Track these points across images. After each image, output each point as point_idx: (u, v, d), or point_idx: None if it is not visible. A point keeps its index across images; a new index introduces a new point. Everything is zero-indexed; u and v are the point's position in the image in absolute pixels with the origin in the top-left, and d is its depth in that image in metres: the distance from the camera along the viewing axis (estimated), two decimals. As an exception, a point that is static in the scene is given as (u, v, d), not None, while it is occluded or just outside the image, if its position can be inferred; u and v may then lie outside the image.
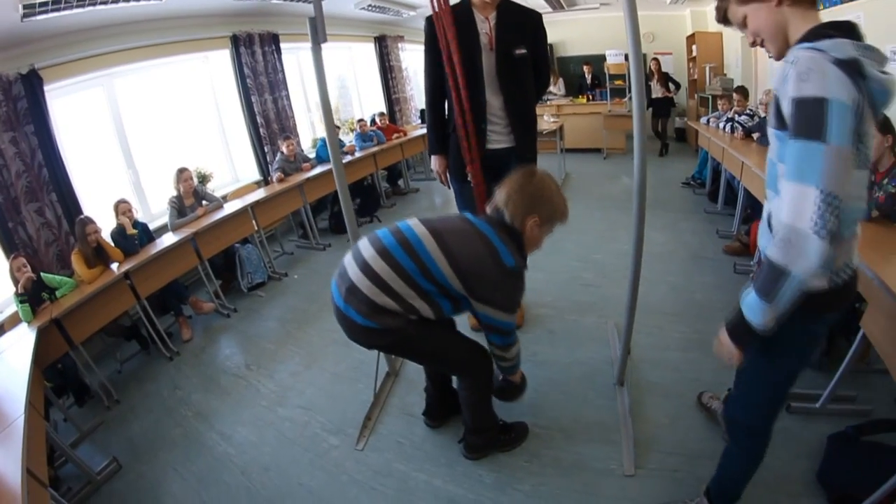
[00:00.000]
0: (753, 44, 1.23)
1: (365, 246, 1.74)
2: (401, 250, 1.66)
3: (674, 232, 4.49)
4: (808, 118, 0.98)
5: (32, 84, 3.77)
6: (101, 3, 3.61)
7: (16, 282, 3.18)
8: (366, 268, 1.67)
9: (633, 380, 2.51)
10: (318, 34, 2.12)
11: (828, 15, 3.88)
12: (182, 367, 3.43)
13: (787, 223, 1.02)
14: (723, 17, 1.29)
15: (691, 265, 3.75)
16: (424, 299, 1.68)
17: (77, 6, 3.49)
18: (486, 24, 2.41)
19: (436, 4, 2.28)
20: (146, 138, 4.92)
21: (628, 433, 2.14)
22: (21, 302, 3.07)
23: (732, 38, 7.67)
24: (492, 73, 2.45)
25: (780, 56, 1.16)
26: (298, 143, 5.98)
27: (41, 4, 3.26)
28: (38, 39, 3.82)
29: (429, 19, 2.46)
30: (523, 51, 2.44)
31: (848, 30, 1.05)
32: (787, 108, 1.04)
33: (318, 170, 5.47)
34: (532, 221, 1.70)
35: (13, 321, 3.21)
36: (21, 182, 3.75)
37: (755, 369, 1.38)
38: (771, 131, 1.19)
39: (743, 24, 1.22)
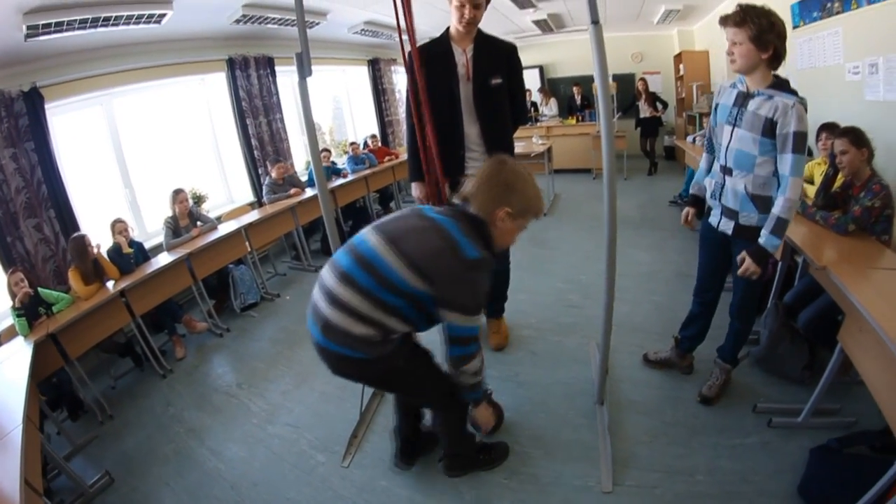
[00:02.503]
0: (730, 53, 1.94)
1: (327, 274, 1.68)
2: (359, 269, 1.58)
3: (660, 251, 4.59)
4: (801, 143, 1.85)
5: (34, 102, 3.87)
6: (101, 26, 3.70)
7: (13, 296, 3.23)
8: (333, 300, 1.60)
9: (613, 398, 2.57)
10: (303, 68, 2.24)
11: (809, 31, 4.26)
12: (175, 385, 3.47)
13: (791, 198, 1.87)
14: (728, 24, 1.91)
15: (676, 284, 3.81)
16: (396, 315, 1.60)
17: (79, 28, 3.59)
18: (463, 56, 2.55)
19: (405, 44, 2.39)
20: (143, 158, 5.02)
21: (607, 451, 2.20)
22: (18, 316, 3.13)
23: (719, 57, 7.80)
24: (469, 103, 2.57)
25: (738, 71, 1.99)
26: (292, 165, 6.10)
27: (44, 26, 3.36)
28: (41, 58, 3.93)
29: (410, 54, 2.57)
30: (499, 80, 2.57)
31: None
32: (785, 130, 1.85)
33: (310, 192, 5.56)
34: (503, 212, 1.60)
35: (9, 334, 3.26)
36: (20, 198, 3.83)
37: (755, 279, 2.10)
38: (754, 136, 1.95)
39: (734, 44, 1.90)
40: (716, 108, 2.20)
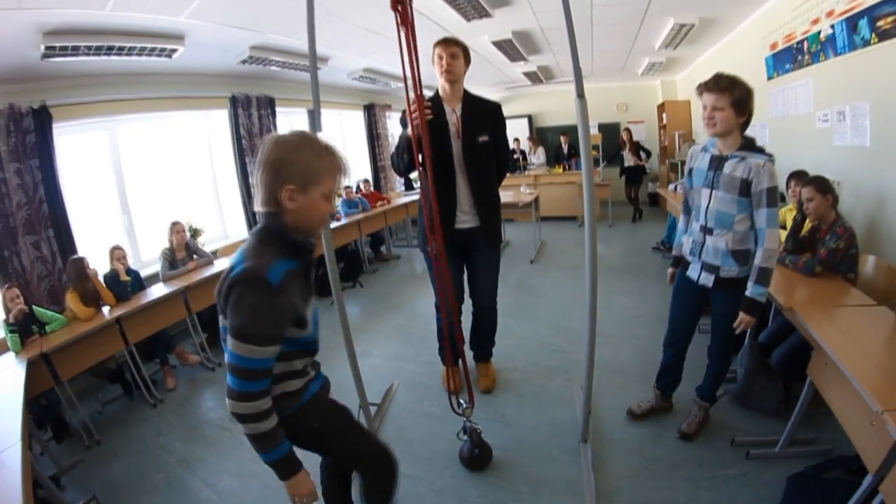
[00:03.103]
0: (710, 117, 2.16)
1: None
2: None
3: (642, 296, 4.76)
4: (774, 197, 2.07)
5: (42, 119, 3.98)
6: (115, 54, 3.83)
7: (7, 311, 3.26)
8: None
9: (596, 437, 2.68)
10: (315, 123, 2.43)
11: (782, 81, 4.65)
12: (166, 416, 3.48)
13: (769, 248, 2.08)
14: (712, 90, 2.13)
15: (657, 328, 3.88)
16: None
17: (94, 54, 3.70)
18: (454, 115, 2.75)
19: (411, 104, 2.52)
20: (142, 186, 5.11)
21: (591, 486, 2.29)
22: (11, 332, 3.17)
23: (700, 106, 8.20)
24: (459, 158, 2.76)
25: (716, 134, 2.21)
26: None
27: (61, 48, 3.46)
28: (53, 78, 4.07)
29: (404, 111, 2.76)
30: (486, 138, 2.78)
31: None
32: (759, 188, 2.07)
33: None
34: (286, 193, 1.31)
35: (3, 348, 3.28)
36: (21, 213, 3.90)
37: (729, 323, 2.28)
38: (731, 196, 2.15)
39: (716, 109, 2.12)
40: (690, 173, 2.43)
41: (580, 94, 2.07)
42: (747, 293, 2.16)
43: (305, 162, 1.32)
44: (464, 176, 2.78)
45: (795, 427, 2.31)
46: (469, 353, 3.31)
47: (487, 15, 4.56)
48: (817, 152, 4.09)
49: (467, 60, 2.76)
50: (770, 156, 2.12)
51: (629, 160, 8.60)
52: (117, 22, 3.48)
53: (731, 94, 2.07)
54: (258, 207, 1.37)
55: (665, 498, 2.20)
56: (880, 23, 3.10)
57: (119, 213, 4.90)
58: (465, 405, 2.48)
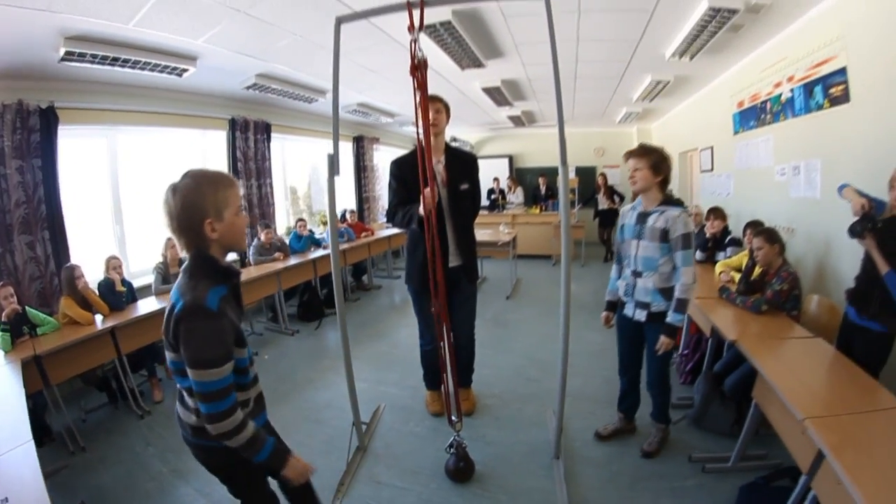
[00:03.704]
0: (632, 177, 2.62)
1: None
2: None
3: (610, 332, 4.87)
4: (688, 241, 2.47)
5: (49, 120, 4.04)
6: (129, 67, 3.95)
7: (0, 309, 3.31)
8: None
9: (568, 454, 2.94)
10: (334, 168, 2.67)
11: (746, 137, 5.14)
12: (154, 427, 3.54)
13: (686, 282, 2.48)
14: (633, 156, 2.62)
15: None
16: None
17: (109, 64, 3.82)
18: (439, 165, 3.05)
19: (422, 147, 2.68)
20: (136, 198, 5.15)
21: (563, 496, 2.53)
22: (2, 330, 3.21)
23: (672, 154, 8.64)
24: (446, 204, 3.05)
25: (637, 191, 2.65)
26: (275, 231, 6.38)
27: (80, 54, 3.56)
28: (63, 80, 4.17)
29: (394, 163, 3.14)
30: (466, 186, 3.10)
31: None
32: (675, 235, 2.49)
33: (293, 260, 5.92)
34: (208, 227, 1.44)
35: None
36: (19, 211, 3.90)
37: (664, 356, 2.67)
38: (654, 244, 2.57)
39: (636, 170, 2.58)
40: (622, 228, 2.83)
41: (563, 162, 2.44)
42: (667, 320, 2.55)
43: (208, 194, 1.44)
44: (450, 220, 3.07)
45: (746, 443, 2.62)
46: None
47: (481, 65, 4.94)
48: (775, 202, 4.56)
49: (448, 115, 3.09)
50: (685, 207, 2.61)
51: (603, 203, 9.10)
52: (138, 37, 3.63)
53: (649, 158, 2.57)
54: (183, 253, 1.51)
55: (631, 505, 2.47)
56: (832, 90, 3.56)
57: (112, 222, 4.97)
58: (455, 420, 2.74)
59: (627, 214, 2.80)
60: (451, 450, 2.74)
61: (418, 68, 2.25)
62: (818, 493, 1.81)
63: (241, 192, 5.96)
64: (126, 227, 5.08)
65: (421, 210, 2.70)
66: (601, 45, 4.55)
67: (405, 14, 2.26)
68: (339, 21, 2.56)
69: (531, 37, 4.26)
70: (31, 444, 2.05)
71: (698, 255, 4.72)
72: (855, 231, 2.39)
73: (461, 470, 2.73)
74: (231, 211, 1.50)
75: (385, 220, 9.44)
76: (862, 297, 2.52)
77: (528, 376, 4.13)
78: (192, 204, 1.42)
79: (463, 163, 3.15)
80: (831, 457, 1.62)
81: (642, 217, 2.66)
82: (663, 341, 2.57)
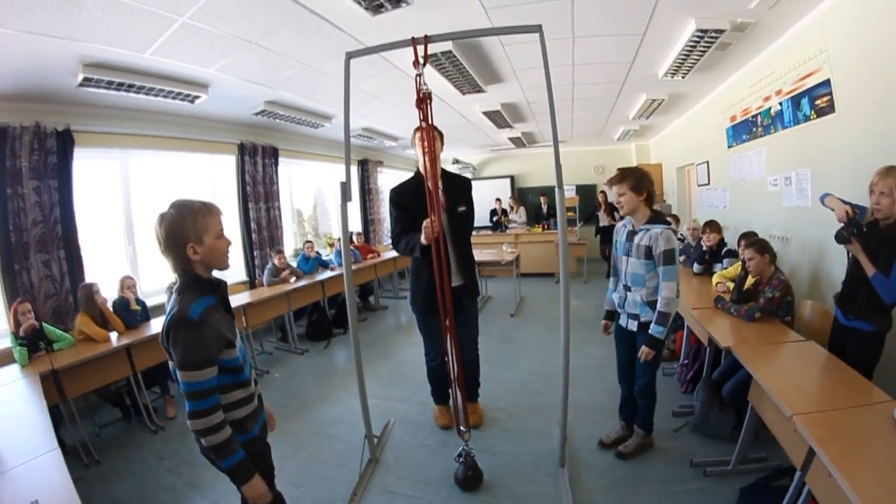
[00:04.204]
0: (618, 202, 2.76)
1: None
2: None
3: (611, 346, 5.04)
4: (670, 257, 2.60)
5: (65, 142, 4.20)
6: (144, 93, 4.12)
7: (17, 324, 3.41)
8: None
9: (572, 462, 3.01)
10: (346, 195, 2.80)
11: (739, 150, 5.26)
12: (169, 442, 3.62)
13: (667, 296, 2.60)
14: (615, 182, 2.77)
15: None
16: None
17: (124, 90, 3.97)
18: (439, 191, 3.14)
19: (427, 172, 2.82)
20: (148, 219, 5.20)
21: (568, 500, 2.61)
22: (20, 345, 3.32)
23: (670, 169, 9.00)
24: (446, 227, 3.14)
25: (625, 214, 2.80)
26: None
27: (97, 80, 3.70)
28: (80, 105, 4.33)
29: (393, 190, 3.28)
30: (464, 208, 3.24)
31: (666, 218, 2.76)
32: (657, 251, 2.62)
33: (303, 282, 6.04)
34: (190, 250, 1.61)
35: (2, 359, 3.46)
36: (35, 230, 4.04)
37: (652, 362, 2.77)
38: (640, 261, 2.71)
39: (621, 195, 2.72)
40: (615, 245, 3.00)
41: (559, 186, 2.58)
42: (649, 331, 2.70)
43: (189, 221, 1.61)
44: (451, 242, 3.18)
45: (746, 446, 2.70)
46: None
47: (481, 90, 5.13)
48: (769, 212, 4.69)
49: (443, 143, 3.27)
50: (670, 224, 2.75)
51: (604, 220, 9.20)
52: (153, 65, 3.80)
53: (629, 181, 2.71)
54: (173, 274, 1.69)
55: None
56: (818, 102, 3.71)
57: (124, 243, 5.10)
58: (464, 430, 2.84)
59: (620, 232, 2.96)
60: (461, 459, 2.83)
61: (423, 101, 2.41)
62: (812, 487, 1.88)
63: (250, 215, 6.26)
64: (138, 248, 5.21)
65: (423, 239, 2.88)
66: (596, 67, 4.71)
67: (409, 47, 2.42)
68: (349, 56, 2.70)
69: (529, 62, 4.44)
70: (58, 452, 2.14)
71: (696, 267, 4.84)
72: (842, 237, 2.49)
73: (470, 479, 2.81)
74: (211, 235, 1.66)
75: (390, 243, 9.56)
76: (846, 299, 2.61)
77: (533, 390, 4.21)
78: (175, 230, 1.60)
79: (459, 187, 3.30)
80: (819, 450, 1.70)
81: (631, 235, 2.83)
82: (644, 351, 2.72)
